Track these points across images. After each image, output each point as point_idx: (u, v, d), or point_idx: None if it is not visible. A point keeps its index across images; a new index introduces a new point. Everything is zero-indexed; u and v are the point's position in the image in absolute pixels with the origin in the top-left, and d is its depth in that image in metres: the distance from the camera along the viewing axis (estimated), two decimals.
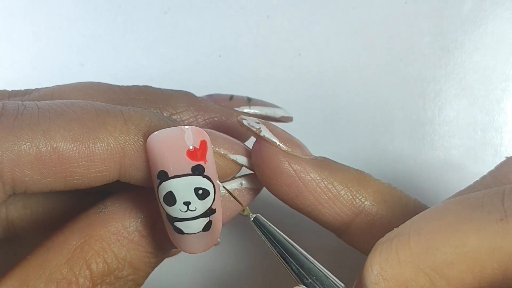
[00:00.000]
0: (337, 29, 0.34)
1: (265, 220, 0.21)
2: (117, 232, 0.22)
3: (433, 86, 0.33)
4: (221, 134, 0.23)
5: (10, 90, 0.25)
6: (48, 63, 0.35)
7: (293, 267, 0.20)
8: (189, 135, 0.21)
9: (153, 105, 0.24)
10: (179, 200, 0.21)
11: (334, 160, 0.24)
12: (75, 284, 0.21)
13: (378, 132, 0.33)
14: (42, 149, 0.20)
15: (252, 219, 0.21)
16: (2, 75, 0.35)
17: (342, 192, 0.23)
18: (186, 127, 0.21)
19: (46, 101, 0.21)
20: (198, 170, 0.21)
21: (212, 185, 0.21)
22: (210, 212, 0.21)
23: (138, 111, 0.22)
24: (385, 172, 0.32)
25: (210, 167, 0.21)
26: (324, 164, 0.24)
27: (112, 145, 0.21)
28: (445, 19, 0.33)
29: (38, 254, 0.21)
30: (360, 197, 0.23)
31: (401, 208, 0.23)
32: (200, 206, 0.21)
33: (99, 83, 0.25)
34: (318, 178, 0.23)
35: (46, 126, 0.20)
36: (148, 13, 0.35)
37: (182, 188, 0.21)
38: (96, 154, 0.21)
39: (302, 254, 0.20)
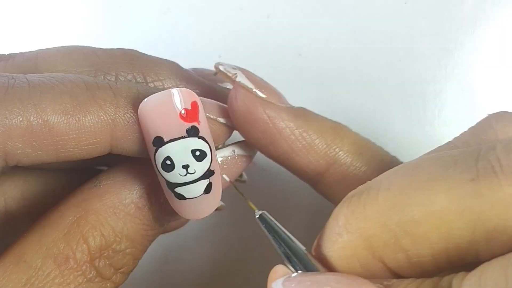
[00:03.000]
0: (337, 29, 0.34)
1: (271, 217, 0.21)
2: (113, 206, 0.21)
3: (433, 86, 0.33)
4: (208, 99, 0.23)
5: None
6: None
7: (297, 268, 0.19)
8: (180, 97, 0.20)
9: (137, 69, 0.24)
10: (178, 164, 0.21)
11: None
12: (72, 259, 0.20)
13: (378, 132, 0.33)
14: (33, 122, 0.20)
15: (258, 216, 0.21)
16: None
17: (317, 141, 0.23)
18: (175, 89, 0.21)
19: (36, 74, 0.21)
20: (192, 131, 0.21)
21: (208, 146, 0.21)
22: (209, 173, 0.21)
23: (126, 84, 0.22)
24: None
25: (203, 127, 0.21)
26: (300, 113, 0.23)
27: (102, 117, 0.21)
28: (445, 19, 0.33)
29: (35, 231, 0.21)
30: (334, 147, 0.23)
31: (377, 162, 0.23)
32: (198, 168, 0.21)
33: (83, 46, 0.25)
34: (292, 125, 0.23)
35: (37, 99, 0.20)
36: (148, 13, 0.35)
37: (179, 151, 0.20)
38: (86, 127, 0.21)
39: (306, 255, 0.20)
